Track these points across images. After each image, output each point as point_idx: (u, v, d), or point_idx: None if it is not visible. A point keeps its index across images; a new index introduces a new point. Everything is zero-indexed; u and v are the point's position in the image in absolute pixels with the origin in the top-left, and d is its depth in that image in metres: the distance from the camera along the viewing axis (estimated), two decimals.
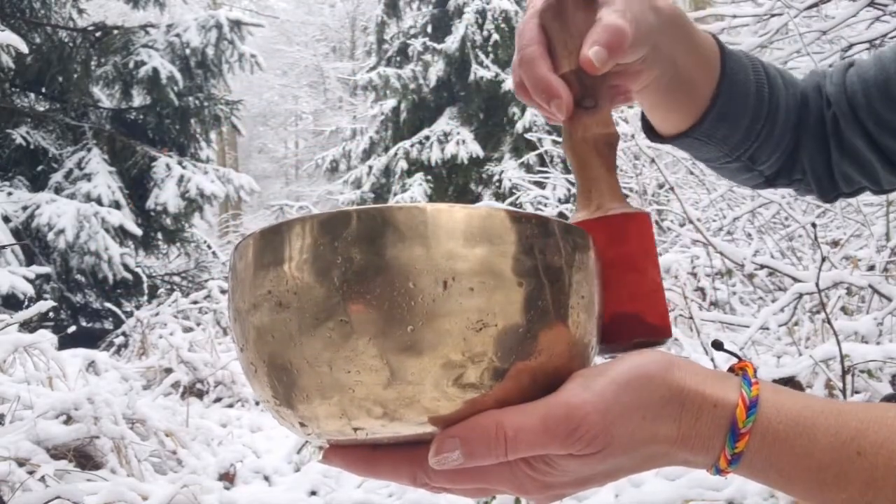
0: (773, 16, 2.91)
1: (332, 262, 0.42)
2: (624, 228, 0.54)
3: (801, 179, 0.76)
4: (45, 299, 2.96)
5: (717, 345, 0.56)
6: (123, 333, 5.45)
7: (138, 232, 6.72)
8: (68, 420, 2.46)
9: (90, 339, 5.27)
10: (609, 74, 0.55)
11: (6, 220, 5.84)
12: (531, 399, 0.44)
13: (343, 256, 0.42)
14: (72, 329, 4.39)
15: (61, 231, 6.14)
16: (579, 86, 0.56)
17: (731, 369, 0.49)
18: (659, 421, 0.45)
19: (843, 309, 2.72)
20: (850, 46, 2.73)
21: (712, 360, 2.04)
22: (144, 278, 6.93)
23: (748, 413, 0.45)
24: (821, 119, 0.74)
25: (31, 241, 6.08)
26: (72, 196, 6.60)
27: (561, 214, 4.74)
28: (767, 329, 2.54)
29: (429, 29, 11.35)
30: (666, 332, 0.54)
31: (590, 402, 0.43)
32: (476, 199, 9.40)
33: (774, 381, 2.06)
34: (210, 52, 7.72)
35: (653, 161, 3.40)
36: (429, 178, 10.31)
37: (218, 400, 3.91)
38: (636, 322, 0.53)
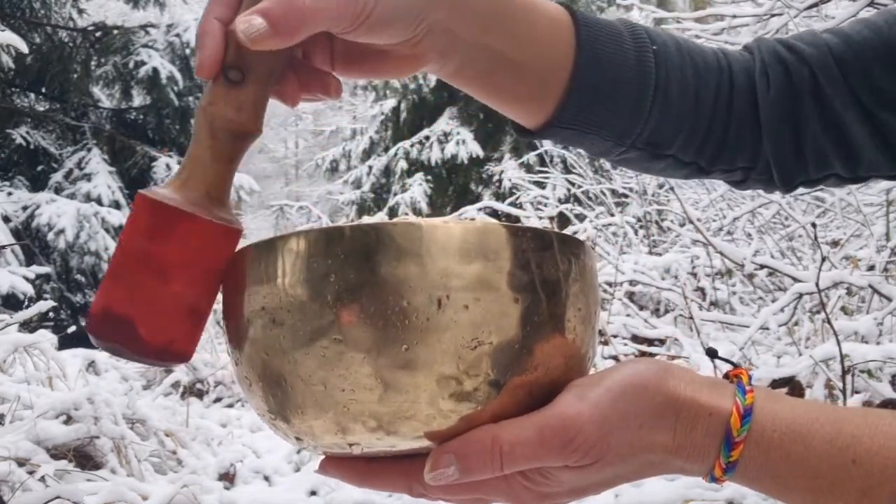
0: (773, 16, 2.91)
1: (325, 279, 0.42)
2: (173, 227, 0.46)
3: (751, 168, 0.64)
4: (45, 299, 2.96)
5: (712, 352, 0.55)
6: None
7: None
8: (68, 420, 2.45)
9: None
10: (277, 55, 0.46)
11: (6, 220, 5.83)
12: (528, 412, 0.44)
13: (337, 273, 0.42)
14: (72, 329, 4.39)
15: (61, 231, 6.14)
16: (235, 52, 0.46)
17: (725, 376, 0.49)
18: (655, 430, 0.45)
19: (843, 309, 2.72)
20: None
21: (712, 361, 2.04)
22: None
23: (742, 422, 0.44)
24: (786, 85, 0.62)
25: (31, 241, 6.08)
26: (72, 196, 6.60)
27: (561, 214, 4.74)
28: (767, 329, 2.54)
29: None
30: (161, 356, 0.47)
31: (585, 413, 0.43)
32: (476, 199, 9.38)
33: (774, 381, 2.06)
34: None
35: None
36: (429, 178, 10.29)
37: (218, 400, 3.90)
38: (125, 327, 0.46)
